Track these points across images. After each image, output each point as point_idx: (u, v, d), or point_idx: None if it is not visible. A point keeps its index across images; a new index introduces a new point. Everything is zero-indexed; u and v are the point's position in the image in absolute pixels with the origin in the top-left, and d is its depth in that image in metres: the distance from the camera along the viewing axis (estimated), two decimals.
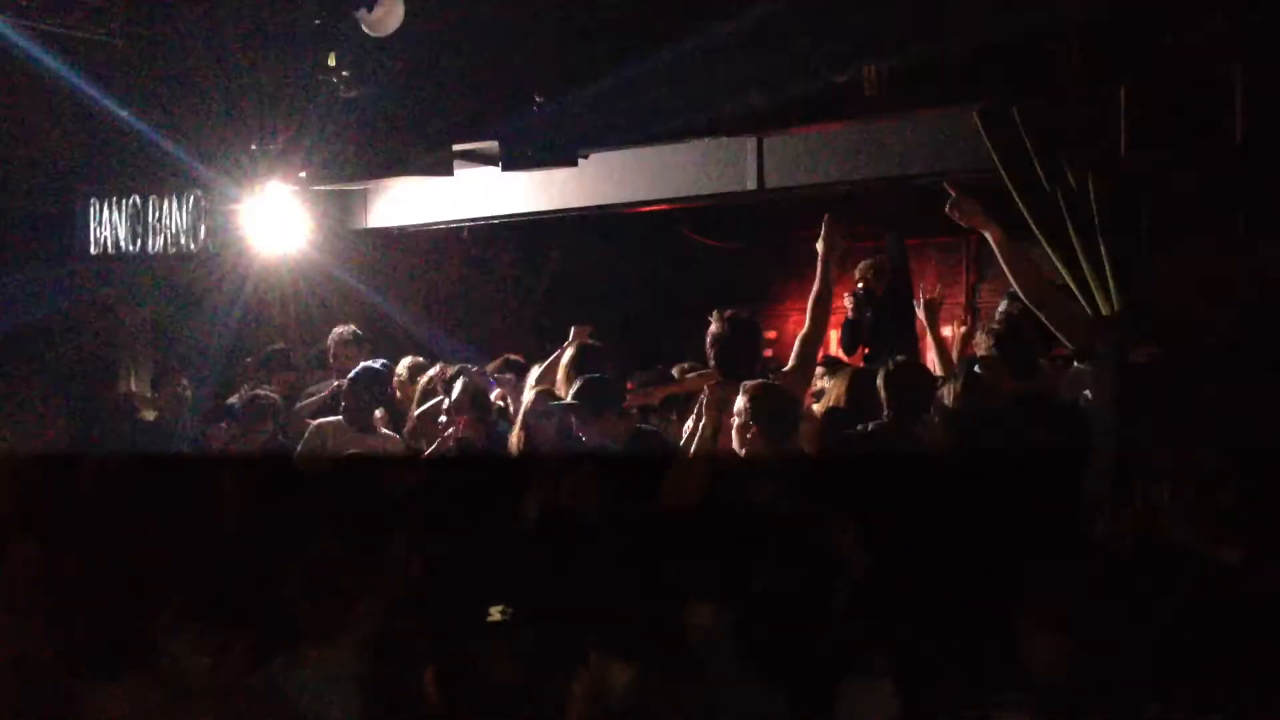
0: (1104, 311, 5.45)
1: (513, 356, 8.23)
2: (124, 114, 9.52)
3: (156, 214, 11.04)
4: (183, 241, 10.85)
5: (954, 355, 7.69)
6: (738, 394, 5.38)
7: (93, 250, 11.42)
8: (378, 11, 7.77)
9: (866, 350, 8.63)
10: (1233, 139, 5.26)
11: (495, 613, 2.32)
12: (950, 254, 9.48)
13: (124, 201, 11.22)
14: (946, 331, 9.26)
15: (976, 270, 9.13)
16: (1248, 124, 5.21)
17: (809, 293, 6.40)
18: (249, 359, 9.92)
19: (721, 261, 10.64)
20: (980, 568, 3.89)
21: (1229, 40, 5.23)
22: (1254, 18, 5.23)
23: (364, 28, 7.89)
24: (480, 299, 11.80)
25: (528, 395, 6.74)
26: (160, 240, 11.01)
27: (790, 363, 6.34)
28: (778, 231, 10.33)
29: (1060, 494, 4.58)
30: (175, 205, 10.93)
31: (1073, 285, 5.63)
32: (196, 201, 10.78)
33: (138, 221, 11.16)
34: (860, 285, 8.93)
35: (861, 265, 8.98)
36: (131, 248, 11.17)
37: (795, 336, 10.06)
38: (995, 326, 6.05)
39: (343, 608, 3.30)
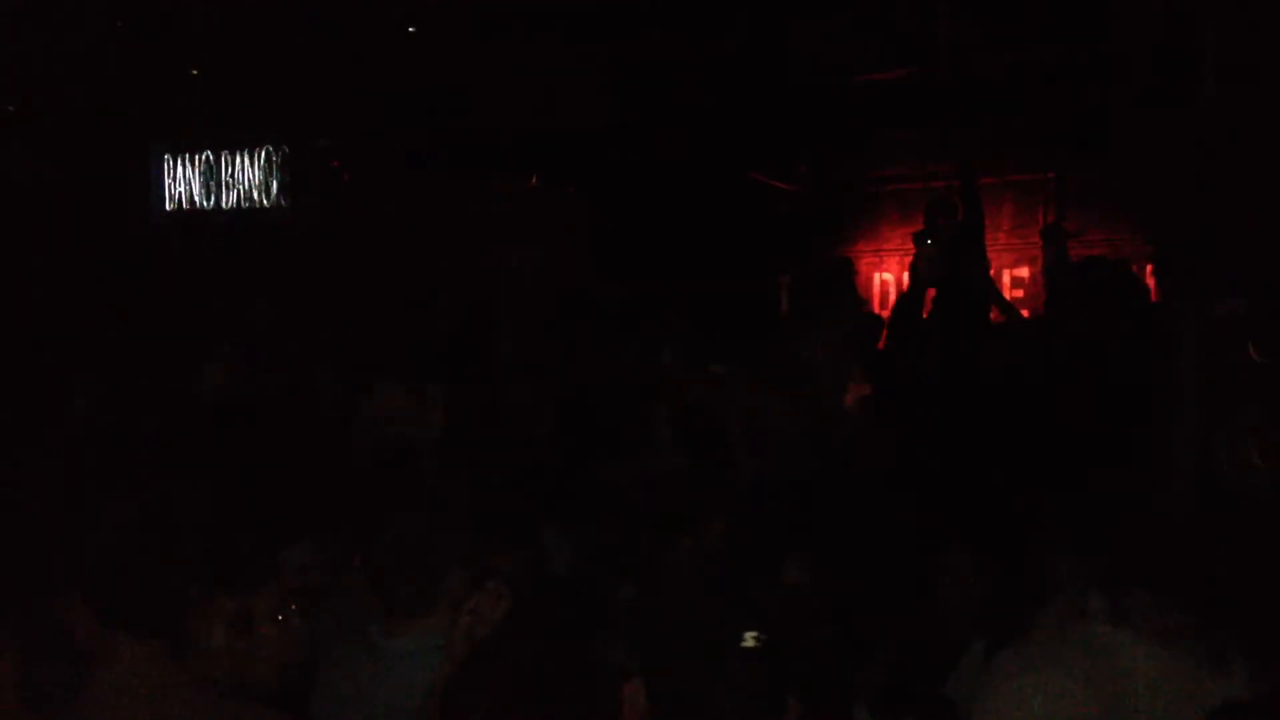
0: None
1: None
2: None
3: (229, 170, 11.17)
4: (255, 197, 10.97)
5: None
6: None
7: (167, 206, 11.59)
8: None
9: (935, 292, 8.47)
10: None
11: (749, 638, 2.22)
12: (1028, 193, 9.27)
13: (197, 157, 11.36)
14: (1023, 271, 9.10)
15: (1055, 210, 8.91)
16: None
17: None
18: None
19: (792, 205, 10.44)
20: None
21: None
22: None
23: None
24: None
25: None
26: (233, 196, 11.15)
27: None
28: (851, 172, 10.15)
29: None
30: (247, 160, 11.03)
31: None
32: (269, 156, 10.87)
33: (210, 177, 11.30)
34: (927, 225, 8.77)
35: (928, 203, 8.82)
36: (205, 204, 11.33)
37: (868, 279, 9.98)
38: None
39: (432, 579, 3.18)
